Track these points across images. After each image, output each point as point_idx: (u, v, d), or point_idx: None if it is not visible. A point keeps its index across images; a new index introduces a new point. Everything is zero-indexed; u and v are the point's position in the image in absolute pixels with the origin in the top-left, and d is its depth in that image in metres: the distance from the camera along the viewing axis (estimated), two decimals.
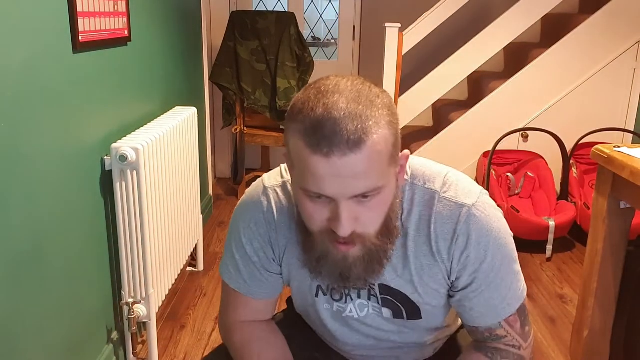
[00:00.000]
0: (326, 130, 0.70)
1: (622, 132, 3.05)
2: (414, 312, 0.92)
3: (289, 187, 0.92)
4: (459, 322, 1.10)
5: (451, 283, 0.89)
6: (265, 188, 0.94)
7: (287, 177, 0.93)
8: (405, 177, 0.87)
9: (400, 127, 0.81)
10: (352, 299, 0.93)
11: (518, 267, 0.91)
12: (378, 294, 0.91)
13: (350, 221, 0.75)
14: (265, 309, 1.01)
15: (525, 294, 0.92)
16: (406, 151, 0.82)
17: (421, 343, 1.00)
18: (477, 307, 0.89)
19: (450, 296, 0.92)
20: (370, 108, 0.72)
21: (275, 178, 0.94)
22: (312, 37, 4.07)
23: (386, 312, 0.93)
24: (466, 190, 0.86)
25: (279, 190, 0.93)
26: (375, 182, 0.73)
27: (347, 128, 0.70)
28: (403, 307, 0.92)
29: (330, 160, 0.70)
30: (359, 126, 0.70)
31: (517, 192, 3.08)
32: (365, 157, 0.70)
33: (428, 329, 0.97)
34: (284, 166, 0.96)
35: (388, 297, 0.91)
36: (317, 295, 0.95)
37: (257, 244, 0.93)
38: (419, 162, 0.90)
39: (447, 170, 0.89)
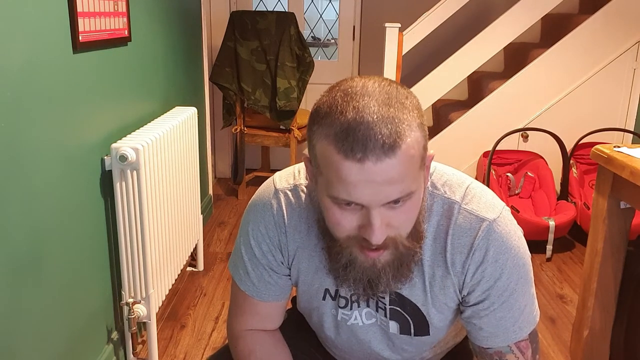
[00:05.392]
0: (359, 134, 0.67)
1: (622, 132, 3.05)
2: (422, 326, 0.90)
3: (300, 190, 0.90)
4: (459, 338, 1.07)
5: (462, 298, 0.87)
6: (276, 190, 0.91)
7: (300, 180, 0.91)
8: (431, 180, 0.86)
9: None
10: (358, 306, 0.91)
11: (533, 291, 0.88)
12: (387, 304, 0.89)
13: (382, 228, 0.72)
14: (273, 313, 0.98)
15: (538, 319, 0.88)
16: (431, 151, 0.79)
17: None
18: (487, 326, 0.85)
19: (461, 312, 0.89)
20: (402, 110, 0.69)
21: (286, 180, 0.92)
22: (312, 37, 4.07)
23: (393, 326, 0.91)
24: (489, 204, 0.84)
25: (290, 193, 0.90)
26: (409, 186, 0.70)
27: (381, 132, 0.67)
28: (412, 320, 0.90)
29: (364, 165, 0.67)
30: (394, 130, 0.67)
31: (517, 192, 3.08)
32: (400, 162, 0.68)
33: (430, 345, 0.96)
34: (297, 167, 0.94)
35: (397, 309, 0.89)
36: (324, 299, 0.93)
37: (265, 246, 0.91)
38: (441, 169, 0.88)
39: (469, 180, 0.87)
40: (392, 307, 0.89)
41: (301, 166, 0.93)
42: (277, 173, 0.95)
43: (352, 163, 0.68)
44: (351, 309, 0.92)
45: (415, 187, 0.72)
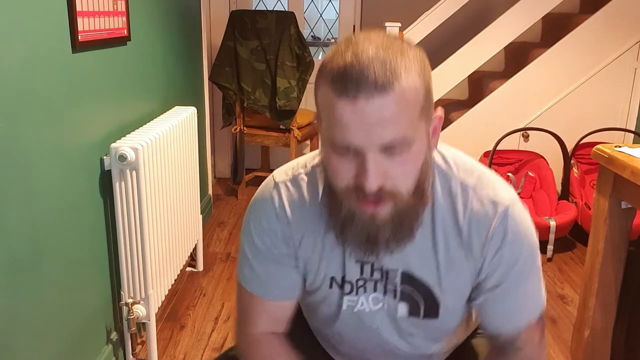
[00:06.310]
0: (354, 73, 0.68)
1: (623, 132, 3.04)
2: (432, 308, 0.89)
3: (300, 179, 0.90)
4: (467, 333, 1.07)
5: (477, 283, 0.87)
6: (276, 183, 0.91)
7: (299, 170, 0.91)
8: (439, 160, 0.85)
9: None
10: (365, 291, 0.90)
11: (542, 275, 0.89)
12: (398, 284, 0.88)
13: (377, 175, 0.71)
14: (282, 314, 0.95)
15: (545, 302, 0.90)
16: (440, 110, 0.79)
17: (427, 354, 0.98)
18: (501, 311, 0.87)
19: (472, 299, 0.89)
20: (401, 56, 0.70)
21: (285, 173, 0.92)
22: (312, 36, 4.07)
23: (402, 308, 0.90)
24: (503, 190, 0.85)
25: (289, 184, 0.90)
26: (404, 131, 0.70)
27: (375, 71, 0.68)
28: (422, 300, 0.89)
29: (356, 104, 0.68)
30: (389, 69, 0.68)
31: (517, 192, 3.08)
32: (393, 103, 0.68)
33: (439, 333, 0.95)
34: (295, 161, 0.94)
35: (408, 289, 0.88)
36: (330, 287, 0.91)
37: (269, 240, 0.90)
38: (455, 151, 0.89)
39: (481, 166, 0.88)
40: (403, 286, 0.88)
41: (299, 160, 0.93)
42: (276, 170, 0.95)
43: (346, 102, 0.69)
44: (357, 294, 0.90)
45: (412, 135, 0.71)
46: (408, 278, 0.87)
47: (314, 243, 0.89)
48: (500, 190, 0.85)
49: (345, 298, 0.91)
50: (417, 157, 0.74)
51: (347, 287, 0.90)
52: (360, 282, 0.90)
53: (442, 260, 0.85)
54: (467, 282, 0.87)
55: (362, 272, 0.89)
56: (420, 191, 0.78)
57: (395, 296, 0.89)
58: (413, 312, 0.90)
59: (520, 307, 0.87)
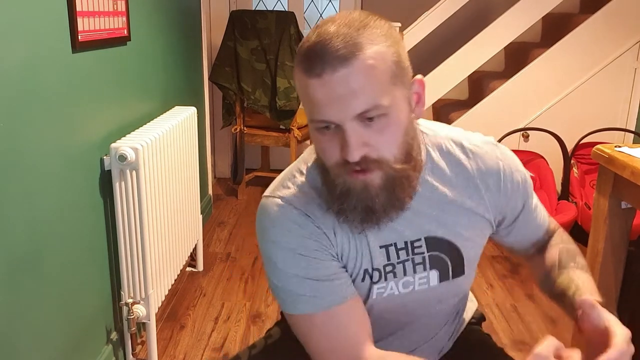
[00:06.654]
0: (317, 51, 0.72)
1: (623, 132, 3.04)
2: (458, 264, 0.92)
3: (305, 187, 0.87)
4: (471, 311, 1.10)
5: (502, 218, 0.94)
6: (281, 197, 0.86)
7: (297, 178, 0.87)
8: (426, 131, 0.90)
9: None
10: (395, 276, 0.88)
11: None
12: (425, 252, 0.88)
13: (358, 145, 0.74)
14: (364, 314, 0.86)
15: None
16: (419, 76, 0.80)
17: (454, 312, 1.03)
18: (532, 224, 0.99)
19: (504, 235, 0.98)
20: (363, 29, 0.73)
21: (283, 187, 0.88)
22: None
23: (433, 276, 0.90)
24: (479, 134, 0.94)
25: (297, 194, 0.86)
26: (374, 98, 0.72)
27: (336, 45, 0.71)
28: (449, 260, 0.91)
29: (323, 79, 0.72)
30: (349, 42, 0.72)
31: None
32: (358, 72, 0.71)
33: (462, 292, 1.01)
34: (285, 174, 0.91)
35: (434, 253, 0.89)
36: (363, 280, 0.89)
37: (311, 243, 0.84)
38: (431, 123, 0.93)
39: (450, 126, 0.95)
40: (430, 253, 0.89)
41: (288, 170, 0.91)
42: (268, 192, 0.89)
43: (314, 80, 0.73)
44: (386, 280, 0.89)
45: (385, 101, 0.73)
46: (432, 241, 0.89)
47: (342, 238, 0.87)
48: (478, 134, 0.93)
49: (375, 287, 0.89)
50: (397, 123, 0.76)
51: (376, 275, 0.89)
52: (389, 268, 0.89)
53: (459, 213, 0.89)
54: (485, 227, 0.93)
55: (388, 258, 0.88)
56: (409, 157, 0.80)
57: (425, 268, 0.90)
58: (443, 276, 0.92)
59: (540, 210, 1.00)
